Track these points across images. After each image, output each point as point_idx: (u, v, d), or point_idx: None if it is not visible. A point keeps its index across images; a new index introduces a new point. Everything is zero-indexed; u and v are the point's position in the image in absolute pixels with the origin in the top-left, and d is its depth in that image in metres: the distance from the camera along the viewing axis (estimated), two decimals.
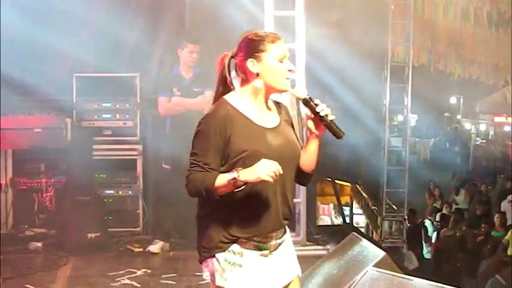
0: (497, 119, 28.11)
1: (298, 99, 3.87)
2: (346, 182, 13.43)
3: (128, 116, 9.27)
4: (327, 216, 14.82)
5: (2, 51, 8.68)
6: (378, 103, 11.20)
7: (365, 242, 6.53)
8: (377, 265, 5.85)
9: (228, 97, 3.84)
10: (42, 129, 8.76)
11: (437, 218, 14.40)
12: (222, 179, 3.59)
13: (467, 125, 31.42)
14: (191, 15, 9.79)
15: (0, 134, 8.66)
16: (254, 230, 3.79)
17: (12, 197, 8.93)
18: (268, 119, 3.90)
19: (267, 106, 3.94)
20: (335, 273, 6.20)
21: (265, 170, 3.52)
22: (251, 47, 3.82)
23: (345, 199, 13.65)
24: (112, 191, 9.15)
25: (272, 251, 3.88)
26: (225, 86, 3.90)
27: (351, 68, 10.53)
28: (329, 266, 6.37)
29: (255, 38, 3.84)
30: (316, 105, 3.80)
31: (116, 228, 8.99)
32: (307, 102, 3.83)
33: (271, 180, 3.54)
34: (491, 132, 31.61)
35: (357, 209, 13.82)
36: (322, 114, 3.78)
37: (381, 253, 6.18)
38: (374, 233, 11.92)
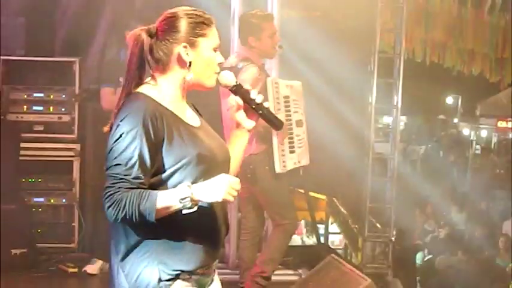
0: (501, 124, 28.32)
1: (225, 86, 3.79)
2: (321, 194, 13.49)
3: (64, 109, 9.26)
4: (297, 235, 14.88)
5: None
6: (362, 101, 11.19)
7: (346, 267, 6.63)
8: None
9: (144, 90, 3.59)
10: None
11: (428, 240, 14.56)
12: (167, 198, 3.32)
13: (466, 131, 31.73)
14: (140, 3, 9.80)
15: None
16: (199, 260, 3.56)
17: None
18: (191, 116, 3.75)
19: (185, 101, 3.78)
20: None
21: (229, 189, 3.34)
22: (187, 27, 3.59)
23: (319, 215, 13.70)
24: (42, 199, 9.14)
25: (209, 284, 3.75)
26: (142, 74, 3.64)
27: (332, 58, 10.50)
28: None
29: (192, 16, 3.62)
30: (248, 91, 3.75)
31: (46, 244, 8.99)
32: (238, 89, 3.79)
33: (233, 200, 3.41)
34: (494, 140, 31.92)
35: (333, 227, 13.91)
36: (258, 101, 3.74)
37: (365, 280, 6.28)
38: (354, 256, 12.00)
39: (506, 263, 13.09)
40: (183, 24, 3.57)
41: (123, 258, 3.50)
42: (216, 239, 3.66)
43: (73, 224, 9.16)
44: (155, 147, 3.40)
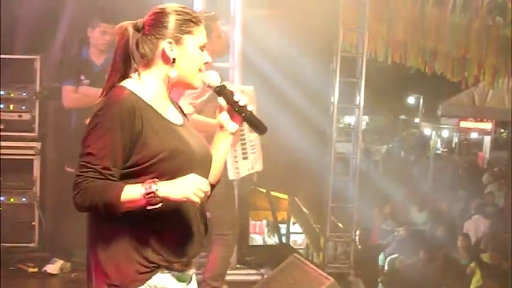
0: (463, 124, 28.47)
1: (209, 87, 3.77)
2: (283, 194, 13.52)
3: (24, 107, 9.16)
4: (259, 234, 14.94)
5: None
6: (324, 100, 11.20)
7: (308, 266, 6.68)
8: None
9: (127, 84, 3.55)
10: None
11: (391, 240, 14.64)
12: (132, 192, 3.29)
13: (427, 130, 31.92)
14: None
15: None
16: (176, 254, 3.54)
17: None
18: (173, 114, 3.72)
19: (169, 99, 3.76)
20: None
21: (195, 189, 3.30)
22: (174, 24, 3.58)
23: (281, 215, 13.74)
24: (2, 198, 9.08)
25: (188, 283, 3.73)
26: (127, 68, 3.62)
27: (294, 57, 10.53)
28: None
29: (180, 13, 3.62)
30: (232, 93, 3.73)
31: (6, 243, 8.88)
32: (221, 90, 3.76)
33: (198, 201, 3.35)
34: (455, 140, 32.12)
35: (295, 226, 13.95)
36: (241, 103, 3.72)
37: (328, 280, 6.34)
38: (316, 255, 12.07)
39: (468, 261, 13.21)
40: (171, 20, 3.57)
41: (101, 252, 3.47)
42: (192, 237, 3.62)
43: (33, 223, 9.06)
44: (130, 140, 3.38)
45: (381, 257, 14.61)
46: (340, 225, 11.47)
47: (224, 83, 3.75)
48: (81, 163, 3.35)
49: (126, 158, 3.40)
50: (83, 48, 8.30)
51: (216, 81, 3.74)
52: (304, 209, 12.91)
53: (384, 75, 15.71)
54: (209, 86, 3.76)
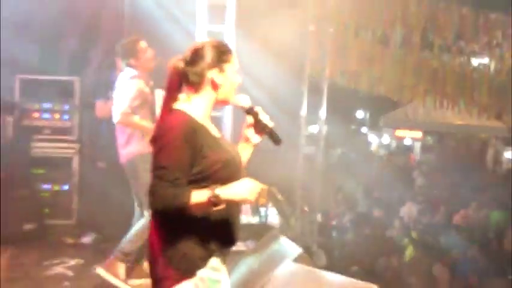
0: (398, 133, 28.65)
1: (241, 107, 3.73)
2: (263, 184, 13.48)
3: (66, 117, 9.22)
4: (244, 215, 14.88)
5: None
6: (294, 113, 11.18)
7: (283, 240, 6.67)
8: (295, 260, 6.00)
9: (183, 108, 3.49)
10: None
11: (345, 220, 14.66)
12: (200, 196, 3.27)
13: (372, 137, 31.97)
14: (129, 28, 9.76)
15: None
16: (226, 243, 3.57)
17: None
18: (213, 129, 3.64)
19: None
20: (256, 267, 6.31)
21: (251, 192, 3.34)
22: (216, 56, 3.54)
23: (261, 201, 13.69)
24: (49, 186, 9.09)
25: (224, 264, 3.65)
26: (179, 94, 3.57)
27: (271, 78, 10.44)
28: (251, 261, 6.47)
29: (219, 46, 3.59)
30: (257, 113, 3.70)
31: (51, 221, 8.95)
32: (250, 111, 3.73)
33: (253, 201, 3.39)
34: (393, 144, 32.23)
35: (272, 209, 13.92)
36: (265, 121, 3.70)
37: (298, 250, 6.33)
38: (288, 232, 12.05)
39: (402, 238, 13.23)
40: (213, 53, 3.52)
41: (167, 243, 3.43)
42: (236, 229, 3.62)
43: (72, 206, 9.13)
44: (193, 155, 3.34)
45: (335, 233, 14.58)
46: (306, 209, 11.46)
47: (251, 104, 3.72)
48: (156, 175, 3.31)
49: (190, 169, 3.35)
50: (111, 72, 8.21)
51: (247, 103, 3.73)
52: (279, 197, 12.85)
53: (340, 94, 15.70)
54: (241, 107, 3.73)
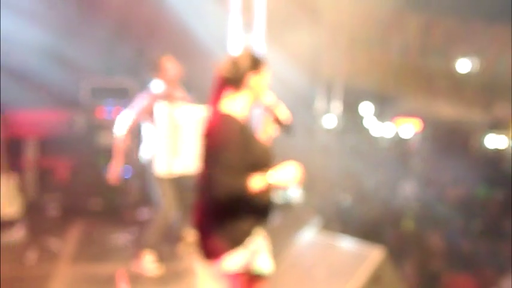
0: (398, 123, 28.49)
1: (266, 106, 3.71)
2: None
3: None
4: None
5: (37, 62, 8.85)
6: (311, 105, 11.18)
7: (303, 213, 6.69)
8: (313, 229, 6.02)
9: (229, 110, 3.51)
10: (60, 121, 8.74)
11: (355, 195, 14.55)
12: (258, 183, 3.32)
13: (377, 128, 31.75)
14: (175, 36, 9.79)
15: (28, 124, 8.67)
16: (266, 216, 3.56)
17: (36, 173, 8.86)
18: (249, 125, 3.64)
19: None
20: (281, 236, 6.28)
21: (296, 176, 3.35)
22: (256, 62, 3.55)
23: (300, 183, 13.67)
24: None
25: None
26: (221, 96, 3.56)
27: (295, 79, 10.42)
28: (275, 231, 6.44)
29: (257, 55, 3.58)
30: (277, 110, 3.69)
31: (116, 199, 8.94)
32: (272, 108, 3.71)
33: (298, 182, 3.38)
34: (395, 133, 31.96)
35: (293, 190, 13.90)
36: (282, 118, 3.70)
37: (316, 220, 6.35)
38: (307, 207, 12.03)
39: (399, 208, 13.12)
40: (251, 59, 3.53)
41: (223, 219, 3.44)
42: (272, 207, 3.60)
43: (132, 186, 9.09)
44: (244, 152, 3.36)
45: (347, 206, 14.49)
46: (323, 187, 11.49)
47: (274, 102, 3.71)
48: (221, 168, 3.31)
49: (243, 164, 3.35)
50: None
51: (272, 101, 3.71)
52: None
53: (350, 92, 15.67)
54: (267, 105, 3.70)
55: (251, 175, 3.37)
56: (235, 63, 3.54)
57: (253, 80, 3.53)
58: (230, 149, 3.34)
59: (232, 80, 3.53)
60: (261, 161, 3.47)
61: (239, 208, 3.42)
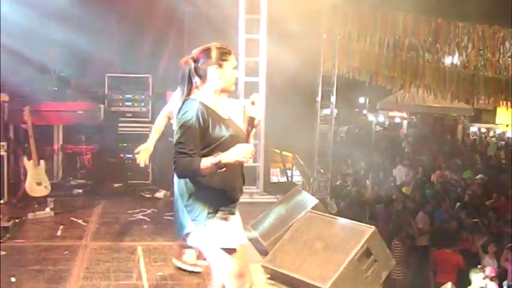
0: (391, 114, 28.46)
1: (250, 117, 3.50)
2: (289, 153, 13.43)
3: (143, 104, 9.30)
4: (275, 176, 14.81)
5: (62, 56, 9.01)
6: (312, 99, 11.11)
7: (304, 193, 6.64)
8: (313, 208, 5.97)
9: (195, 97, 3.41)
10: (84, 111, 8.74)
11: (350, 179, 14.55)
12: (207, 162, 3.22)
13: (371, 117, 31.63)
14: (188, 36, 9.76)
15: (55, 114, 8.65)
16: (230, 200, 3.49)
17: (62, 157, 8.89)
18: (222, 111, 3.54)
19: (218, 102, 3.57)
20: (284, 213, 6.29)
21: (245, 154, 3.23)
22: (217, 55, 3.43)
23: (288, 165, 13.65)
24: (131, 155, 9.07)
25: (233, 215, 3.56)
26: (191, 84, 3.45)
27: (297, 73, 10.34)
28: (279, 209, 6.45)
29: (221, 48, 3.46)
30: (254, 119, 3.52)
31: (133, 181, 9.03)
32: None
33: (247, 161, 3.27)
34: (387, 123, 31.94)
35: (296, 172, 13.88)
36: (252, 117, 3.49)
37: (315, 201, 6.30)
38: (308, 188, 12.00)
39: (394, 193, 13.07)
40: (215, 53, 3.43)
41: (187, 202, 3.43)
42: (239, 187, 3.57)
43: (148, 170, 9.13)
44: (204, 131, 3.31)
45: (343, 189, 14.47)
46: (322, 171, 11.44)
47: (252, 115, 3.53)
48: (176, 148, 3.26)
49: (202, 142, 3.31)
50: (177, 70, 8.14)
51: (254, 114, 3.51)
52: (301, 162, 12.81)
53: (347, 84, 15.58)
54: (251, 118, 3.50)
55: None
56: (200, 56, 3.45)
57: (218, 73, 3.44)
58: (186, 130, 3.28)
59: (198, 72, 3.44)
60: (226, 145, 3.35)
61: (197, 190, 3.40)
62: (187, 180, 3.42)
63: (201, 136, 3.31)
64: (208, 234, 3.43)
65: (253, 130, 3.55)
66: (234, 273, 3.51)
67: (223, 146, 3.35)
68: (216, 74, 3.44)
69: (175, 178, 3.48)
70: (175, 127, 3.39)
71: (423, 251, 10.44)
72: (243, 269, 3.59)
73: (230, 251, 3.47)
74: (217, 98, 3.53)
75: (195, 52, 3.48)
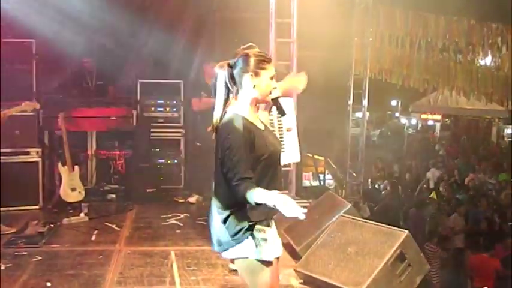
0: (423, 116, 28.23)
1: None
2: (321, 156, 13.39)
3: (175, 110, 9.32)
4: (307, 180, 14.75)
5: (96, 63, 9.08)
6: (344, 103, 11.03)
7: (337, 197, 6.59)
8: (345, 213, 5.91)
9: (236, 109, 3.27)
10: (117, 117, 8.74)
11: (383, 182, 14.41)
12: (266, 200, 2.94)
13: (403, 120, 31.37)
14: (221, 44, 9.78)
15: (88, 120, 8.70)
16: (268, 215, 3.30)
17: (95, 163, 8.94)
18: (259, 122, 3.38)
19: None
20: (316, 218, 6.24)
21: (291, 212, 2.86)
22: (254, 63, 3.26)
23: (320, 169, 13.61)
24: (163, 160, 9.18)
25: (270, 227, 3.39)
26: (228, 92, 3.33)
27: (328, 78, 10.29)
28: (312, 213, 6.40)
29: (259, 56, 3.29)
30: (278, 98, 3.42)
31: (166, 186, 9.05)
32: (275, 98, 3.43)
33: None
34: (419, 125, 31.66)
35: (328, 175, 13.82)
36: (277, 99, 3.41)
37: (348, 205, 6.24)
38: (340, 192, 11.92)
39: (429, 194, 12.93)
40: (252, 61, 3.26)
41: (225, 217, 3.29)
42: (272, 212, 3.25)
43: (181, 174, 9.20)
44: (250, 149, 3.14)
45: (376, 192, 14.34)
46: (354, 174, 11.32)
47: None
48: (234, 173, 3.10)
49: (251, 160, 3.14)
50: (204, 76, 8.13)
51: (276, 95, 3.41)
52: (334, 166, 12.75)
53: (379, 87, 15.45)
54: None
55: (260, 170, 3.22)
56: (236, 62, 3.31)
57: (253, 81, 3.27)
58: (238, 150, 3.12)
59: (233, 80, 3.31)
60: (266, 161, 3.24)
61: (238, 209, 3.26)
62: (225, 195, 3.28)
63: (249, 155, 3.16)
64: (245, 247, 3.32)
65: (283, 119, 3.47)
66: (268, 285, 3.40)
67: (264, 163, 3.25)
68: (251, 83, 3.28)
69: (212, 191, 3.41)
70: (216, 138, 3.29)
71: (459, 254, 10.27)
72: (274, 282, 3.48)
73: (267, 263, 3.36)
74: (255, 110, 3.39)
75: (234, 58, 3.33)
